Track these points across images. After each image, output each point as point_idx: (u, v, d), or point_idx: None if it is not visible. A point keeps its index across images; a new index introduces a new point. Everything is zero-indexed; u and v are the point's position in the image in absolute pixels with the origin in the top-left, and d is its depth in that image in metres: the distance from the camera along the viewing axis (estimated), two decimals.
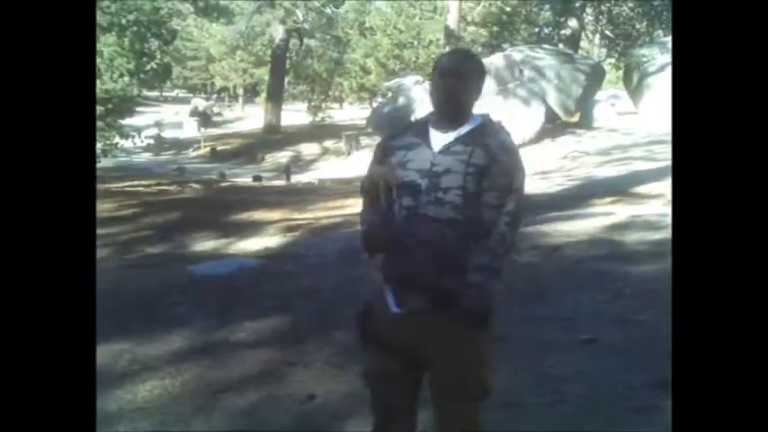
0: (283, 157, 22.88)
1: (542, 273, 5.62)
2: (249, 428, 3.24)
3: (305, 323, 4.72)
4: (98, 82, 12.82)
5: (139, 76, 15.56)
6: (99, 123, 12.76)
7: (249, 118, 33.97)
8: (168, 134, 27.92)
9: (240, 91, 42.29)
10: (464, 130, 2.10)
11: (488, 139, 2.08)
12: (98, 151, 12.85)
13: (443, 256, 2.04)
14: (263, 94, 32.95)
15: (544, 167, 13.65)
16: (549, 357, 3.84)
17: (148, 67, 15.91)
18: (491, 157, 2.04)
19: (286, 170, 18.56)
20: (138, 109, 17.94)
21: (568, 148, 15.92)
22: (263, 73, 33.83)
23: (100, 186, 12.50)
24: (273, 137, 26.62)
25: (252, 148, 24.85)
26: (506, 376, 3.54)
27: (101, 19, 13.67)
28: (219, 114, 36.63)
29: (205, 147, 25.46)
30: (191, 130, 29.78)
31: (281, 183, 16.61)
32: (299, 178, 18.00)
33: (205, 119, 31.27)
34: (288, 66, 30.69)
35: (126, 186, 13.15)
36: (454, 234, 2.04)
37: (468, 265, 2.03)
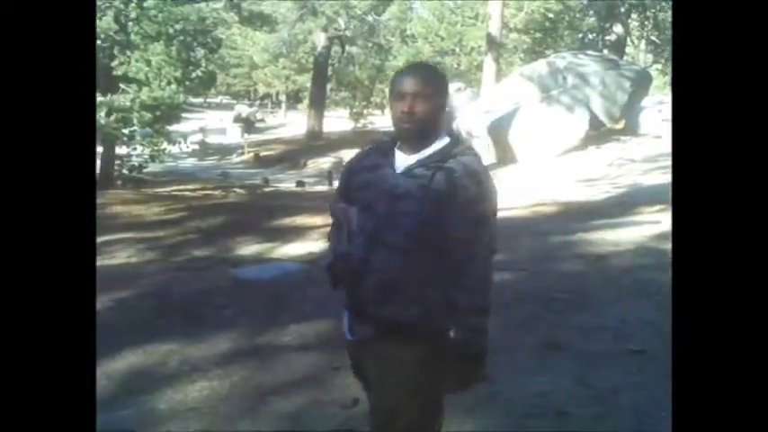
0: (325, 162, 23.06)
1: (588, 282, 5.56)
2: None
3: None
4: (146, 90, 13.15)
5: (186, 84, 15.88)
6: (147, 129, 13.08)
7: (292, 124, 34.33)
8: (212, 140, 28.39)
9: (283, 97, 42.77)
10: (428, 152, 1.97)
11: (453, 161, 1.93)
12: (147, 156, 13.15)
13: (395, 284, 1.92)
14: (306, 101, 33.27)
15: (589, 175, 13.48)
16: (596, 368, 3.80)
17: (194, 74, 16.22)
18: (453, 184, 1.89)
19: (328, 176, 18.70)
20: (183, 115, 18.28)
21: (614, 155, 15.69)
22: (306, 80, 34.16)
23: (148, 190, 12.80)
24: (316, 143, 26.85)
25: (294, 154, 25.11)
26: (553, 387, 3.53)
27: (149, 28, 13.99)
28: (262, 120, 37.10)
29: (248, 152, 25.82)
30: (234, 135, 30.23)
31: (323, 188, 16.73)
32: None
33: (248, 125, 31.71)
34: (330, 73, 30.94)
35: (173, 190, 13.43)
36: (407, 262, 1.91)
37: (459, 304, 1.90)
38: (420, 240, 1.90)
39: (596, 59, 19.44)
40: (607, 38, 23.67)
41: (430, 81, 1.99)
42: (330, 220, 2.18)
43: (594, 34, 27.44)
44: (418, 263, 1.91)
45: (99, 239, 9.30)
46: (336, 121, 31.57)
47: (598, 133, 18.07)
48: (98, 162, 13.60)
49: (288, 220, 9.78)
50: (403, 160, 1.99)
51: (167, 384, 3.78)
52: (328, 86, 31.77)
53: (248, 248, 8.41)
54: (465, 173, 1.91)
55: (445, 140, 2.00)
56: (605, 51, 22.44)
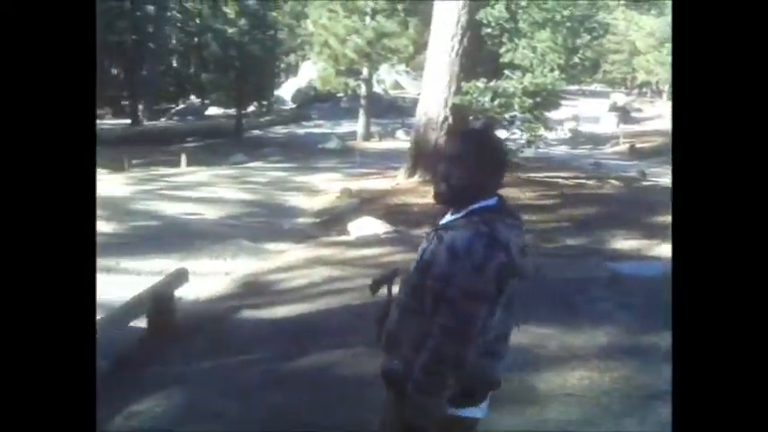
0: None
1: None
2: None
3: None
4: (529, 76, 13.44)
5: (567, 71, 15.86)
6: (527, 115, 13.39)
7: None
8: (584, 128, 28.00)
9: (665, 87, 40.11)
10: (451, 217, 1.96)
11: (449, 233, 1.88)
12: (523, 141, 13.47)
13: (393, 336, 2.00)
14: None
15: None
16: None
17: (575, 61, 16.10)
18: (433, 255, 1.88)
19: None
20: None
21: None
22: None
23: (522, 175, 13.16)
24: None
25: None
26: None
27: (537, 15, 14.26)
28: (639, 110, 35.33)
29: (623, 143, 24.83)
30: (608, 124, 29.35)
31: None
32: None
33: (624, 114, 30.49)
34: None
35: (545, 177, 13.57)
36: (402, 319, 1.97)
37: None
38: (411, 301, 1.94)
39: None
40: None
41: (463, 146, 1.99)
42: None
43: None
44: (409, 322, 1.95)
45: None
46: None
47: None
48: None
49: (668, 218, 9.14)
50: (444, 219, 2.01)
51: (547, 366, 3.82)
52: None
53: (624, 243, 8.08)
54: (446, 247, 1.86)
55: (478, 206, 1.93)
56: None
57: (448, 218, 1.98)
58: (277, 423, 3.44)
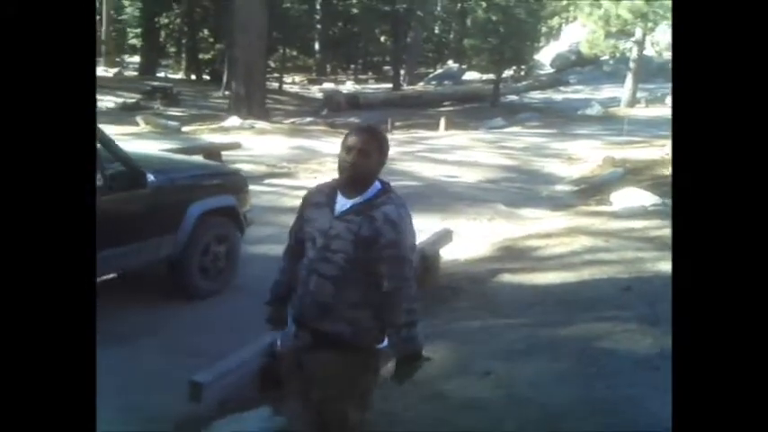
0: None
1: None
2: None
3: None
4: None
5: None
6: None
7: None
8: None
9: None
10: (360, 199, 2.32)
11: (375, 211, 2.26)
12: None
13: (328, 305, 2.31)
14: None
15: None
16: None
17: None
18: (376, 231, 2.24)
19: None
20: None
21: None
22: None
23: None
24: None
25: None
26: None
27: None
28: None
29: None
30: None
31: None
32: None
33: None
34: None
35: None
36: (338, 288, 2.30)
37: (392, 323, 2.31)
38: (349, 273, 2.29)
39: None
40: None
41: (373, 142, 2.34)
42: None
43: None
44: (348, 290, 2.30)
45: None
46: None
47: None
48: None
49: None
50: (342, 203, 2.34)
51: None
52: None
53: None
54: (384, 221, 2.24)
55: (376, 189, 2.34)
56: None
57: (357, 200, 2.30)
58: (542, 388, 3.38)
